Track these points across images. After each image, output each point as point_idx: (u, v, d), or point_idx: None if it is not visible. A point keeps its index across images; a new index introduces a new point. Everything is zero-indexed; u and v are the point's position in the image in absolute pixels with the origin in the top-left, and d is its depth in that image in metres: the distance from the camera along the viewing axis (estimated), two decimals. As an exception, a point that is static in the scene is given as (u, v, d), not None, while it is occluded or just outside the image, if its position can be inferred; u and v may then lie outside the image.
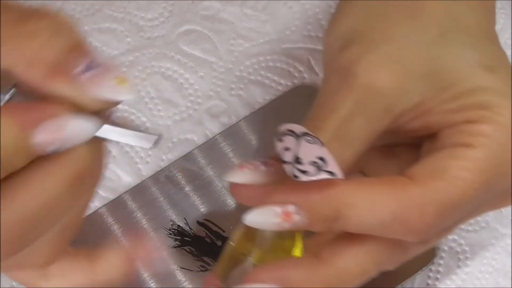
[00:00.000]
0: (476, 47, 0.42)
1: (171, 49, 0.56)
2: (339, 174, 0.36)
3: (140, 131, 0.34)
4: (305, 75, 0.56)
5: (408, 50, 0.41)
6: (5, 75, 0.33)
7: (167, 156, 0.53)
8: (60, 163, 0.32)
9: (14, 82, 0.33)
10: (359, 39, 0.42)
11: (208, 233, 0.49)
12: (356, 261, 0.39)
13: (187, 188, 0.51)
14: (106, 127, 0.33)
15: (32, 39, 0.32)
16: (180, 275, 0.48)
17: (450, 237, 0.52)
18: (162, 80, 0.55)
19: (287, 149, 0.37)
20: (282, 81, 0.55)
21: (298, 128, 0.38)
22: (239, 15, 0.57)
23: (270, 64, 0.56)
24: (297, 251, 0.41)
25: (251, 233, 0.40)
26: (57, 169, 0.32)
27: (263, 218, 0.37)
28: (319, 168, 0.36)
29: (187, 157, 0.52)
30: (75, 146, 0.32)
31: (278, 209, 0.37)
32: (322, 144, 0.37)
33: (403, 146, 0.44)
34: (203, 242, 0.49)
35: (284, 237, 0.40)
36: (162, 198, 0.51)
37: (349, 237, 0.40)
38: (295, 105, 0.53)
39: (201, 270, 0.48)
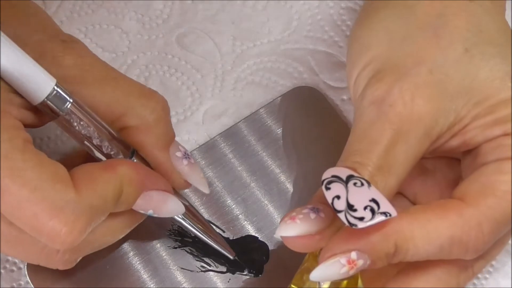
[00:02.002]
0: (502, 57, 0.42)
1: (171, 49, 0.56)
2: (393, 213, 0.37)
3: (220, 247, 0.46)
4: (305, 76, 0.56)
5: (438, 71, 0.41)
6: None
7: (167, 157, 0.53)
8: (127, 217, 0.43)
9: (131, 148, 0.42)
10: (388, 67, 0.42)
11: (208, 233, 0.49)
12: (423, 282, 0.40)
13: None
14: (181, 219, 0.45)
15: (153, 114, 0.42)
16: (180, 275, 0.48)
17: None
18: (162, 81, 0.55)
19: (337, 197, 0.37)
20: (282, 82, 0.55)
21: (343, 172, 0.38)
22: (239, 15, 0.57)
23: (270, 64, 0.56)
24: (359, 283, 0.42)
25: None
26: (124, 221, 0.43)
27: (331, 272, 0.38)
28: (374, 212, 0.36)
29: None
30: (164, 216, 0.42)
31: (343, 259, 0.37)
32: (370, 184, 0.37)
33: (435, 160, 0.44)
34: (203, 242, 0.49)
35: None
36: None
37: (413, 268, 0.40)
38: (295, 106, 0.53)
39: (201, 271, 0.48)
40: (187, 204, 0.44)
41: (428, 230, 0.38)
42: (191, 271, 0.48)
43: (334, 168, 0.38)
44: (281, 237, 0.39)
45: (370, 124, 0.41)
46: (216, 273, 0.48)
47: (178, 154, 0.42)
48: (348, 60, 0.46)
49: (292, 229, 0.38)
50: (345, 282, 0.41)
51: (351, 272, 0.37)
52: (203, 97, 0.55)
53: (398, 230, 0.38)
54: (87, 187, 0.37)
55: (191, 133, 0.53)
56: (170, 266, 0.48)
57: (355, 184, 0.37)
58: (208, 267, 0.48)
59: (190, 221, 0.45)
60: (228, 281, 0.48)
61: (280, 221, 0.39)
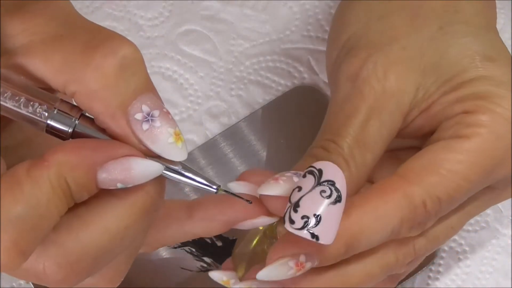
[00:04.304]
0: (475, 37, 0.42)
1: (171, 49, 0.56)
2: (326, 242, 0.36)
3: (201, 179, 0.35)
4: (305, 76, 0.56)
5: (411, 48, 0.41)
6: (50, 93, 0.34)
7: (167, 156, 0.53)
8: (129, 199, 0.34)
9: (80, 110, 0.34)
10: (363, 44, 0.42)
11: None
12: (361, 266, 0.39)
13: (187, 189, 0.51)
14: (167, 172, 0.35)
15: (96, 74, 0.33)
16: (180, 275, 0.48)
17: (450, 237, 0.52)
18: (162, 80, 0.55)
19: (299, 188, 0.36)
20: (282, 82, 0.55)
21: (329, 172, 0.37)
22: (239, 15, 0.57)
23: (270, 64, 0.56)
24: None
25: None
26: (126, 204, 0.34)
27: (278, 273, 0.38)
28: (305, 226, 0.36)
29: (187, 157, 0.52)
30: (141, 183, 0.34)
31: (291, 262, 0.37)
32: (340, 201, 0.36)
33: (408, 150, 0.44)
34: (203, 242, 0.49)
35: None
36: (162, 198, 0.51)
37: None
38: (295, 106, 0.53)
39: (201, 270, 0.48)
40: (162, 163, 0.35)
41: (377, 218, 0.38)
42: (191, 271, 0.48)
43: (327, 162, 0.38)
44: (261, 196, 0.38)
45: (345, 99, 0.41)
46: (216, 273, 0.48)
47: (138, 116, 0.33)
48: (329, 40, 0.47)
49: (274, 189, 0.38)
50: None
51: (298, 273, 0.37)
52: (203, 97, 0.55)
53: (347, 229, 0.37)
54: (5, 197, 0.31)
55: (191, 133, 0.53)
56: (170, 266, 0.48)
57: (322, 191, 0.36)
58: (208, 267, 0.48)
59: (175, 175, 0.36)
60: (228, 281, 0.48)
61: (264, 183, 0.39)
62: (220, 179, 0.51)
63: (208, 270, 0.48)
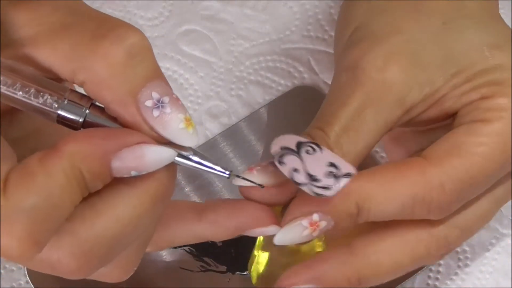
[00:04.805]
0: (480, 28, 0.42)
1: (171, 49, 0.56)
2: (353, 171, 0.37)
3: (213, 165, 0.35)
4: (305, 76, 0.56)
5: (414, 42, 0.41)
6: (61, 85, 0.34)
7: (167, 156, 0.53)
8: (141, 187, 0.34)
9: (90, 100, 0.34)
10: (365, 35, 0.42)
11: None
12: (389, 254, 0.39)
13: (187, 189, 0.51)
14: (180, 159, 0.35)
15: (104, 62, 0.33)
16: (180, 275, 0.48)
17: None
18: (162, 80, 0.55)
19: (295, 170, 0.36)
20: (282, 82, 0.55)
21: (291, 141, 0.37)
22: (239, 15, 0.57)
23: (270, 64, 0.56)
24: (319, 248, 0.42)
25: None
26: (138, 192, 0.34)
27: (293, 234, 0.38)
28: (336, 176, 0.36)
29: (187, 157, 0.52)
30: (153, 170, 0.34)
31: (305, 222, 0.37)
32: (320, 147, 0.37)
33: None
34: (203, 242, 0.49)
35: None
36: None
37: (382, 228, 0.40)
38: (295, 106, 0.53)
39: (201, 270, 0.48)
40: (175, 149, 0.35)
41: (389, 189, 0.38)
42: (191, 271, 0.48)
43: (280, 137, 0.38)
44: (239, 188, 0.39)
45: (341, 87, 0.41)
46: (216, 273, 0.48)
47: (148, 103, 0.33)
48: (334, 39, 0.47)
49: (250, 178, 0.38)
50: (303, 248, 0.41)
51: (315, 234, 0.37)
52: (203, 97, 0.55)
53: (358, 189, 0.38)
54: (17, 188, 0.31)
55: (191, 133, 0.53)
56: (170, 266, 0.48)
57: (307, 152, 0.37)
58: (208, 267, 0.48)
59: (187, 162, 0.36)
60: (228, 281, 0.48)
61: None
62: (220, 179, 0.51)
63: (208, 270, 0.48)
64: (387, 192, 0.38)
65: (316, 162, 0.37)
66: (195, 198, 0.50)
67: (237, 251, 0.48)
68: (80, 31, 0.33)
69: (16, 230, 0.31)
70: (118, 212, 0.33)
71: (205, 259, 0.48)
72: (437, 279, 0.51)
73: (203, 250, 0.48)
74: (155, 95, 0.33)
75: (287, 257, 0.42)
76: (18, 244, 0.31)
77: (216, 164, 0.35)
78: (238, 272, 0.48)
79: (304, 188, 0.36)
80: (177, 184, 0.51)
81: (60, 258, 0.33)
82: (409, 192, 0.38)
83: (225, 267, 0.48)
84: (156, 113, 0.33)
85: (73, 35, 0.33)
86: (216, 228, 0.39)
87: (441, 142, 0.39)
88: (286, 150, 0.37)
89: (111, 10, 0.57)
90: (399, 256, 0.40)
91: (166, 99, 0.34)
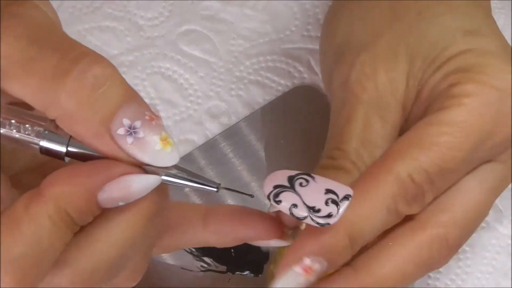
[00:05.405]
0: (454, 14, 0.42)
1: (171, 49, 0.56)
2: (351, 191, 0.36)
3: (200, 181, 0.35)
4: (305, 76, 0.56)
5: (394, 40, 0.41)
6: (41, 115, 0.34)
7: (167, 156, 0.53)
8: (133, 210, 0.34)
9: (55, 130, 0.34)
10: (349, 48, 0.43)
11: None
12: (393, 266, 0.39)
13: (187, 189, 0.51)
14: (166, 177, 0.34)
15: (71, 98, 0.32)
16: (180, 275, 0.48)
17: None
18: (162, 80, 0.55)
19: (294, 205, 0.36)
20: (282, 82, 0.55)
21: (281, 178, 0.37)
22: (239, 15, 0.57)
23: (270, 64, 0.56)
24: None
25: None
26: (131, 215, 0.34)
27: (288, 282, 0.37)
28: (336, 201, 0.36)
29: (187, 157, 0.52)
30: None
31: (297, 268, 0.37)
32: (313, 176, 0.37)
33: None
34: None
35: None
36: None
37: (379, 242, 0.40)
38: (295, 106, 0.53)
39: (201, 270, 0.48)
40: (161, 172, 0.35)
41: (369, 200, 0.38)
42: (191, 271, 0.48)
43: (269, 177, 0.37)
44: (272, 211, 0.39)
45: (342, 105, 0.41)
46: (216, 273, 0.48)
47: (120, 131, 0.33)
48: (320, 53, 0.47)
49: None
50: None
51: (311, 279, 0.37)
52: (203, 97, 0.55)
53: (343, 220, 0.37)
54: (4, 237, 0.31)
55: (191, 133, 0.53)
56: (170, 266, 0.48)
57: (301, 184, 0.36)
58: (208, 267, 0.48)
59: (174, 180, 0.36)
60: (228, 281, 0.48)
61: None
62: (220, 179, 0.51)
63: (208, 270, 0.48)
64: (370, 205, 0.38)
65: (313, 193, 0.36)
66: (195, 198, 0.50)
67: (237, 251, 0.48)
68: (43, 67, 0.33)
69: (5, 281, 0.31)
70: (113, 238, 0.33)
71: (205, 259, 0.48)
72: (437, 279, 0.51)
73: (203, 250, 0.48)
74: (126, 121, 0.33)
75: None
76: None
77: (203, 179, 0.35)
78: (238, 272, 0.48)
79: (307, 221, 0.36)
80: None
81: None
82: (387, 193, 0.38)
83: (225, 267, 0.48)
84: (129, 140, 0.33)
85: (38, 70, 0.33)
86: (220, 238, 0.39)
87: (402, 137, 0.39)
88: (279, 188, 0.37)
89: (111, 10, 0.57)
90: (404, 265, 0.39)
91: (137, 123, 0.33)
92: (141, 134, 0.33)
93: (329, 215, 0.36)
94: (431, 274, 0.51)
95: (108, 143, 0.33)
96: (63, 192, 0.32)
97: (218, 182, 0.36)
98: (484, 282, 0.50)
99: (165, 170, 0.34)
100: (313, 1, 0.58)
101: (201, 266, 0.48)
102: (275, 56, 0.56)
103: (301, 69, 0.56)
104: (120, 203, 0.33)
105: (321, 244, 0.37)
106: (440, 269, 0.51)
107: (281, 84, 0.55)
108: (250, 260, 0.48)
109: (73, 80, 0.32)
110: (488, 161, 0.41)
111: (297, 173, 0.37)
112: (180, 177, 0.35)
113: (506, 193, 0.52)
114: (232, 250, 0.48)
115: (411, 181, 0.38)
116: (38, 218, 0.32)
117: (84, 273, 0.33)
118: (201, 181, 0.35)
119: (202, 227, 0.39)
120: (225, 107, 0.54)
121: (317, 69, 0.56)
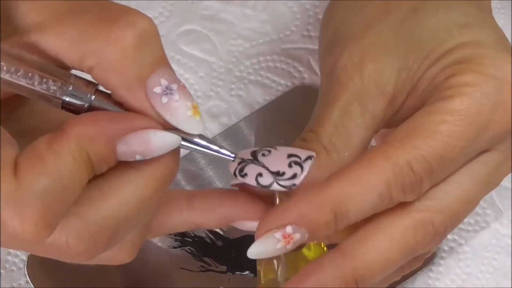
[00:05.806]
0: (448, 8, 0.42)
1: (171, 49, 0.56)
2: (314, 153, 0.37)
3: (219, 148, 0.36)
4: (305, 76, 0.56)
5: (386, 33, 0.42)
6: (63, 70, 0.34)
7: (167, 156, 0.53)
8: (148, 170, 0.34)
9: (95, 85, 0.34)
10: (340, 39, 0.43)
11: (208, 233, 0.49)
12: (378, 250, 0.39)
13: (187, 188, 0.51)
14: (186, 141, 0.35)
15: (116, 46, 0.33)
16: (180, 275, 0.48)
17: (450, 237, 0.52)
18: (162, 80, 0.55)
19: (259, 175, 0.37)
20: (282, 82, 0.55)
21: (245, 154, 0.38)
22: (239, 15, 0.57)
23: (270, 64, 0.56)
24: (317, 252, 0.41)
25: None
26: (145, 176, 0.34)
27: (266, 247, 0.37)
28: (299, 163, 0.36)
29: (187, 157, 0.52)
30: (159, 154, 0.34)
31: (277, 234, 0.37)
32: (274, 147, 0.37)
33: None
34: (203, 242, 0.49)
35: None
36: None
37: (366, 226, 0.40)
38: (295, 106, 0.53)
39: (201, 270, 0.48)
40: (180, 134, 0.35)
41: (362, 184, 0.38)
42: (191, 271, 0.48)
43: (238, 153, 0.38)
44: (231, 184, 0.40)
45: (326, 90, 0.41)
46: (216, 273, 0.48)
47: (157, 90, 0.33)
48: (319, 45, 0.47)
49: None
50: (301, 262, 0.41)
51: (289, 247, 0.37)
52: (203, 97, 0.55)
53: (331, 195, 0.37)
54: (29, 171, 0.31)
55: (191, 133, 0.53)
56: (170, 266, 0.48)
57: (263, 154, 0.37)
58: (208, 267, 0.48)
59: (192, 146, 0.36)
60: (228, 281, 0.48)
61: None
62: (220, 179, 0.51)
63: (208, 270, 0.48)
64: (361, 188, 0.38)
65: (276, 159, 0.37)
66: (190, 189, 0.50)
67: (237, 251, 0.48)
68: (89, 17, 0.33)
69: (30, 213, 0.31)
70: (125, 195, 0.33)
71: (205, 259, 0.48)
72: (437, 279, 0.51)
73: (203, 250, 0.48)
74: (164, 81, 0.33)
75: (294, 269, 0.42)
76: (32, 227, 0.31)
77: (222, 147, 0.36)
78: (238, 272, 0.48)
79: (274, 187, 0.37)
80: (177, 184, 0.51)
81: (68, 241, 0.33)
82: (382, 180, 0.38)
83: (225, 267, 0.48)
84: (164, 99, 0.33)
85: (81, 20, 0.33)
86: (207, 216, 0.39)
87: (401, 127, 0.39)
88: (243, 162, 0.37)
89: (111, 10, 0.57)
90: (388, 251, 0.39)
91: (174, 86, 0.34)
92: (176, 97, 0.34)
93: (293, 176, 0.36)
94: (431, 274, 0.51)
95: (140, 98, 0.33)
96: (86, 132, 0.32)
97: (236, 152, 0.37)
98: (484, 282, 0.50)
99: (187, 137, 0.34)
100: (313, 1, 0.58)
101: (201, 266, 0.48)
102: (275, 56, 0.56)
103: (301, 69, 0.56)
104: (138, 157, 0.33)
105: (305, 214, 0.37)
106: (440, 269, 0.51)
107: (281, 84, 0.55)
108: (250, 260, 0.48)
109: (120, 29, 0.33)
110: (483, 151, 0.41)
111: (261, 148, 0.38)
112: (199, 143, 0.35)
113: (506, 193, 0.53)
114: (232, 250, 0.48)
115: (409, 169, 0.38)
116: (61, 154, 0.32)
117: (92, 227, 0.33)
118: (219, 149, 0.36)
119: (187, 207, 0.39)
120: (225, 107, 0.54)
121: (317, 69, 0.56)
